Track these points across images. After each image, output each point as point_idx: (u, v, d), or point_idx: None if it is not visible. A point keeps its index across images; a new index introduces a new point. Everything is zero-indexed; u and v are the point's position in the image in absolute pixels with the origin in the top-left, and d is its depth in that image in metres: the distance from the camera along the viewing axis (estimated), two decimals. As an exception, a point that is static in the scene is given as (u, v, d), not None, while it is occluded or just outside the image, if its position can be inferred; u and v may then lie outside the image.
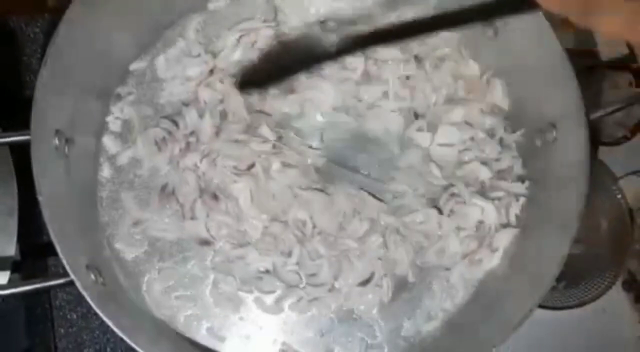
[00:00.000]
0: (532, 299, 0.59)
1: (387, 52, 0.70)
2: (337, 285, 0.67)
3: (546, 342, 0.76)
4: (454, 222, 0.68)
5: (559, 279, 0.76)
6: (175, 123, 0.69)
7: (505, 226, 0.68)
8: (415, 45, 0.72)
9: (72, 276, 0.53)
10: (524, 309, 0.59)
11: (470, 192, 0.68)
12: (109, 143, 0.69)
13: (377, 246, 0.67)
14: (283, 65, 0.69)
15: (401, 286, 0.68)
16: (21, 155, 0.57)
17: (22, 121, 0.57)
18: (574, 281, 0.78)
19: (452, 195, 0.68)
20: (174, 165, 0.68)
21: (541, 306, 0.74)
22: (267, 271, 0.67)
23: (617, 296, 0.78)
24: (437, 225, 0.68)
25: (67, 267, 0.54)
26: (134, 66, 0.70)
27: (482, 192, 0.68)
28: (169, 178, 0.68)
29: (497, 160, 0.69)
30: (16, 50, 0.77)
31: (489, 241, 0.67)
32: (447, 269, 0.68)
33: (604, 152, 0.80)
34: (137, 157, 0.68)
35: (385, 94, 0.70)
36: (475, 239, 0.68)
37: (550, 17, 0.62)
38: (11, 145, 0.60)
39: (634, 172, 0.80)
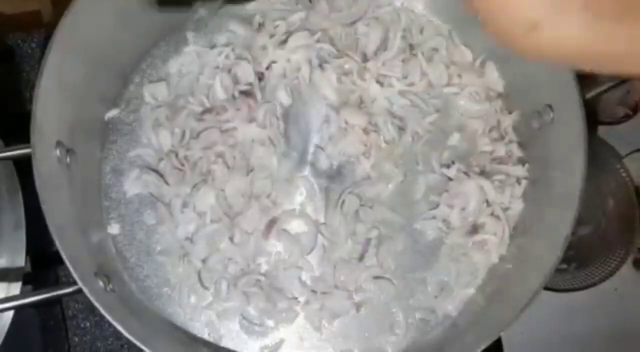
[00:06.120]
0: (538, 281, 0.59)
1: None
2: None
3: (559, 324, 0.76)
4: (457, 203, 0.67)
5: (569, 261, 0.77)
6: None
7: (507, 209, 0.68)
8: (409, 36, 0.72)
9: (80, 284, 0.54)
10: (530, 292, 0.59)
11: (472, 173, 0.68)
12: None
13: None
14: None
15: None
16: (26, 167, 0.57)
17: (24, 135, 0.57)
18: (585, 262, 0.78)
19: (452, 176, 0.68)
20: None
21: (553, 289, 0.74)
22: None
23: (628, 275, 0.78)
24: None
25: (75, 276, 0.54)
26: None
27: (483, 175, 0.68)
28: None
29: (496, 144, 0.69)
30: (15, 66, 0.78)
31: (493, 225, 0.67)
32: (454, 256, 0.68)
33: (606, 132, 0.80)
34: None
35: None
36: (476, 225, 0.67)
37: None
38: (14, 159, 0.60)
39: (638, 150, 0.80)
